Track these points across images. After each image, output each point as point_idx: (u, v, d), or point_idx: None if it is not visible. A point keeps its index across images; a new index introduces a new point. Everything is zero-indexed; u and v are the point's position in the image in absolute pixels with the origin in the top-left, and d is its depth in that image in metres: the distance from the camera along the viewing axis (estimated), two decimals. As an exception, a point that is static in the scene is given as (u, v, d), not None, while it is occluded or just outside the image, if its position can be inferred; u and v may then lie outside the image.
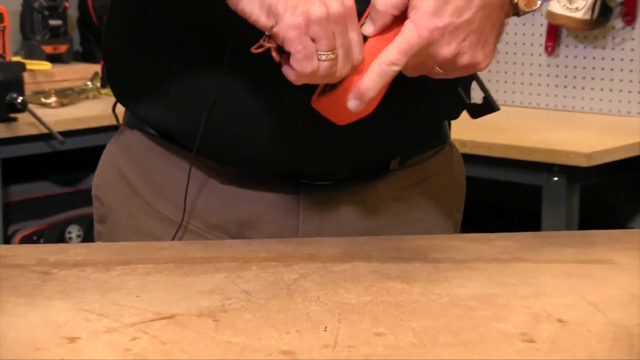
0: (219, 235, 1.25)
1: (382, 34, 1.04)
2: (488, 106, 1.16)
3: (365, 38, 1.04)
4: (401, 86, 1.07)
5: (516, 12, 1.08)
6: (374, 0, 1.02)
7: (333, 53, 0.99)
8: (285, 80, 1.07)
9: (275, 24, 0.98)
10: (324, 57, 0.98)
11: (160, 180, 1.27)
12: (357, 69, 1.02)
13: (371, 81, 1.00)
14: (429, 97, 1.24)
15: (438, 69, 1.06)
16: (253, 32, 1.10)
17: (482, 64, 1.05)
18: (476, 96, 1.19)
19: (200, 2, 1.18)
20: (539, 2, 1.09)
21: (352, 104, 1.00)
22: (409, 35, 1.00)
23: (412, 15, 1.01)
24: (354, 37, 1.01)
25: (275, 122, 1.15)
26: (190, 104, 1.20)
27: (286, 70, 1.01)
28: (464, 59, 1.04)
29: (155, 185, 1.28)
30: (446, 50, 1.02)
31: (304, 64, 0.98)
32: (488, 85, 1.18)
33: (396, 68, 1.01)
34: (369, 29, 1.03)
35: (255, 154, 1.20)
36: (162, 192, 1.27)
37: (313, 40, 0.98)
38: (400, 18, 1.03)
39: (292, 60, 0.99)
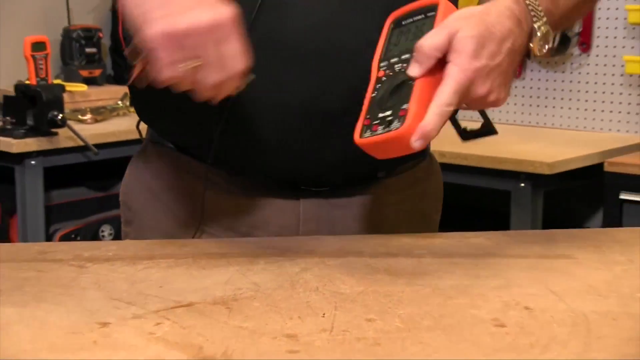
0: (231, 235, 1.25)
1: (427, 76, 0.99)
2: (487, 131, 1.14)
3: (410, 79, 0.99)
4: None
5: (528, 56, 1.07)
6: (420, 44, 0.99)
7: (196, 62, 0.94)
8: (287, 104, 1.07)
9: (142, 31, 0.95)
10: (182, 67, 0.94)
11: (179, 188, 1.27)
12: (413, 114, 0.97)
13: (434, 123, 0.97)
14: None
15: (464, 104, 1.04)
16: (259, 56, 1.10)
17: (503, 101, 1.04)
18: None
19: None
20: (546, 47, 1.08)
21: (417, 144, 0.97)
22: (457, 77, 0.98)
23: (454, 58, 0.98)
24: (230, 47, 0.96)
25: (278, 139, 1.15)
26: (202, 123, 1.20)
27: (150, 74, 0.97)
28: (492, 97, 1.02)
29: (174, 192, 1.27)
30: (481, 89, 1.01)
31: (162, 72, 0.95)
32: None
33: (452, 108, 0.98)
34: (415, 70, 0.99)
35: (261, 166, 1.20)
36: (180, 198, 1.27)
37: (176, 49, 0.94)
38: (439, 61, 1.00)
39: (151, 67, 0.96)
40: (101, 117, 3.02)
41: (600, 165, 2.54)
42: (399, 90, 1.00)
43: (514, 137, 2.85)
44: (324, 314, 0.93)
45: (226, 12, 0.95)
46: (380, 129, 0.99)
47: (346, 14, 1.15)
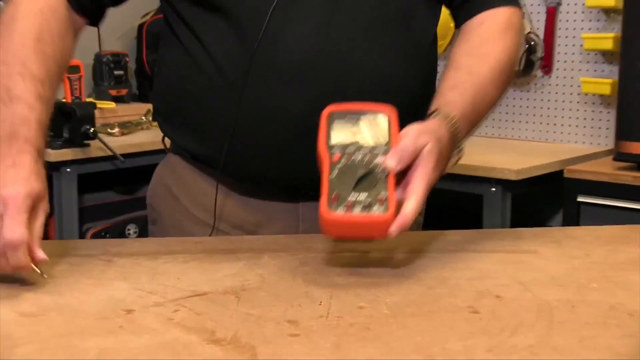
0: (239, 233, 1.25)
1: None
2: None
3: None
4: None
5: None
6: (405, 147, 0.99)
7: None
8: (286, 119, 1.06)
9: None
10: None
11: (195, 192, 1.27)
12: (393, 202, 0.96)
13: (413, 215, 0.97)
14: None
15: None
16: (262, 77, 1.10)
17: None
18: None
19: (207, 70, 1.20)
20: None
21: (395, 232, 0.96)
22: (426, 180, 1.00)
23: (424, 165, 1.00)
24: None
25: (279, 150, 1.15)
26: (214, 137, 1.21)
27: None
28: None
29: (191, 196, 1.27)
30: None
31: None
32: None
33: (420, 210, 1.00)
34: (394, 164, 0.98)
35: (265, 173, 1.20)
36: (197, 201, 1.27)
37: None
38: None
39: None
40: (127, 130, 3.02)
41: (560, 172, 2.53)
42: (368, 178, 0.97)
43: (486, 147, 2.85)
44: (320, 302, 0.92)
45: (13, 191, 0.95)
46: (358, 209, 0.95)
47: (334, 41, 1.15)
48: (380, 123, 1.01)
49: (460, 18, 1.25)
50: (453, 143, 1.09)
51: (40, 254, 0.96)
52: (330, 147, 0.99)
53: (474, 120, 1.16)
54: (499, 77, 1.19)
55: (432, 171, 1.00)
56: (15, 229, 0.93)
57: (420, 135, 1.01)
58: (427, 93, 1.24)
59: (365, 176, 0.97)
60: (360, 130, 1.01)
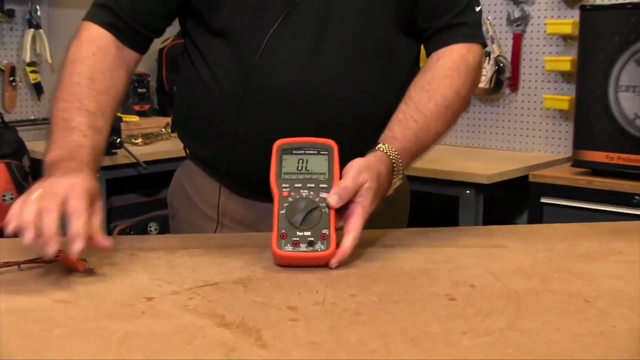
0: (240, 228, 1.25)
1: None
2: None
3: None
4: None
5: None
6: (346, 186, 1.01)
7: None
8: (276, 136, 1.06)
9: None
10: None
11: (204, 192, 1.28)
12: (333, 239, 0.99)
13: (350, 249, 1.00)
14: None
15: None
16: (255, 99, 1.09)
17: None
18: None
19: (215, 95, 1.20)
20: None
21: (334, 265, 0.99)
22: (363, 216, 1.02)
23: (362, 201, 1.03)
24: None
25: (270, 160, 1.10)
26: (219, 149, 1.21)
27: None
28: None
29: (202, 196, 1.28)
30: None
31: None
32: None
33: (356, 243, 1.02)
34: (336, 202, 1.01)
35: (258, 179, 1.17)
36: (205, 200, 1.28)
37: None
38: None
39: None
40: (149, 140, 3.02)
41: (526, 177, 2.54)
42: (313, 213, 0.99)
43: (461, 155, 2.85)
44: (317, 291, 0.92)
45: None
46: (303, 246, 0.98)
47: (320, 70, 1.15)
48: (323, 157, 1.04)
49: (427, 51, 1.24)
50: (391, 175, 1.10)
51: (105, 241, 0.97)
52: (280, 182, 1.02)
53: (415, 152, 1.16)
54: (444, 113, 1.17)
55: (369, 206, 1.04)
56: (79, 203, 0.94)
57: (361, 173, 1.03)
58: None
59: (310, 211, 1.00)
60: (305, 164, 1.04)
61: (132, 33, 1.19)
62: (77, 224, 0.92)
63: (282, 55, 1.14)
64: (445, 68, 1.18)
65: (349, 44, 1.16)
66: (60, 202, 0.93)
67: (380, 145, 1.11)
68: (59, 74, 1.17)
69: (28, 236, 0.90)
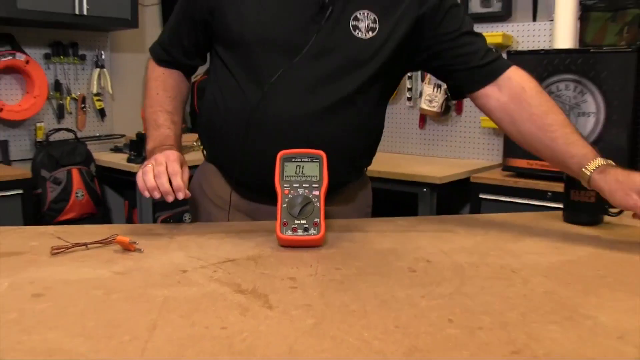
0: (244, 217, 1.21)
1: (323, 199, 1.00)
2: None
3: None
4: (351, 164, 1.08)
5: None
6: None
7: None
8: (273, 156, 1.03)
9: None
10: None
11: (216, 189, 1.24)
12: (323, 226, 0.98)
13: None
14: (359, 166, 1.25)
15: None
16: (258, 130, 1.08)
17: None
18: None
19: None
20: None
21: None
22: None
23: None
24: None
25: (267, 175, 1.06)
26: (229, 160, 1.18)
27: None
28: None
29: (214, 190, 1.24)
30: None
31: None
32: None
33: None
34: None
35: (260, 183, 1.15)
36: (216, 194, 1.24)
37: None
38: None
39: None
40: (184, 151, 3.00)
41: (468, 178, 2.53)
42: (307, 207, 0.99)
43: (419, 162, 2.84)
44: (311, 265, 0.91)
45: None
46: (300, 232, 0.97)
47: (307, 113, 1.10)
48: (315, 164, 1.03)
49: (471, 89, 1.15)
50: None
51: (188, 193, 1.06)
52: (283, 183, 1.01)
53: None
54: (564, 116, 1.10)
55: None
56: (175, 166, 1.07)
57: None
58: (367, 151, 1.22)
59: (305, 205, 0.99)
60: (302, 169, 1.03)
61: (181, 65, 1.27)
62: (178, 180, 1.04)
63: (280, 98, 1.10)
64: (531, 87, 1.12)
65: (331, 95, 1.11)
66: (164, 168, 1.05)
67: (599, 160, 1.02)
68: (144, 91, 1.30)
69: (156, 195, 1.03)
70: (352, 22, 1.10)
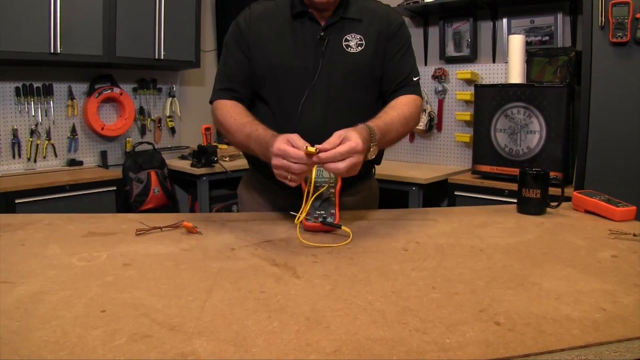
0: (278, 210, 1.17)
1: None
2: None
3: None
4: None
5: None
6: (329, 140, 0.88)
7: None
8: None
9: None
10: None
11: (259, 190, 1.21)
12: (338, 217, 0.96)
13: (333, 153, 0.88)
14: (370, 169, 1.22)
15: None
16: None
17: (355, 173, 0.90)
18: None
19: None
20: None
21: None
22: (350, 143, 0.88)
23: (349, 135, 0.89)
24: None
25: None
26: (266, 170, 1.14)
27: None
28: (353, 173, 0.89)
29: (257, 192, 1.22)
30: (353, 172, 0.89)
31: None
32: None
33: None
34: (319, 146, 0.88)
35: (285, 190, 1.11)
36: (260, 195, 1.21)
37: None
38: None
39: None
40: (232, 159, 3.01)
41: (446, 180, 2.51)
42: (325, 201, 0.98)
43: (410, 167, 2.82)
44: (328, 245, 0.90)
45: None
46: (320, 220, 0.96)
47: (326, 123, 1.08)
48: None
49: (387, 100, 1.17)
50: (369, 140, 0.93)
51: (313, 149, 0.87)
52: (307, 183, 0.98)
53: (384, 134, 0.99)
54: (404, 122, 1.08)
55: (361, 142, 0.87)
56: (297, 139, 0.89)
57: (340, 132, 0.90)
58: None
59: (324, 200, 0.99)
60: (321, 172, 1.01)
61: (241, 97, 1.16)
62: (301, 167, 0.87)
63: (304, 115, 1.09)
64: (403, 100, 1.13)
65: (342, 108, 1.11)
66: (285, 155, 0.87)
67: (360, 123, 0.97)
68: (222, 131, 1.12)
69: (292, 184, 0.88)
70: (344, 43, 1.12)
